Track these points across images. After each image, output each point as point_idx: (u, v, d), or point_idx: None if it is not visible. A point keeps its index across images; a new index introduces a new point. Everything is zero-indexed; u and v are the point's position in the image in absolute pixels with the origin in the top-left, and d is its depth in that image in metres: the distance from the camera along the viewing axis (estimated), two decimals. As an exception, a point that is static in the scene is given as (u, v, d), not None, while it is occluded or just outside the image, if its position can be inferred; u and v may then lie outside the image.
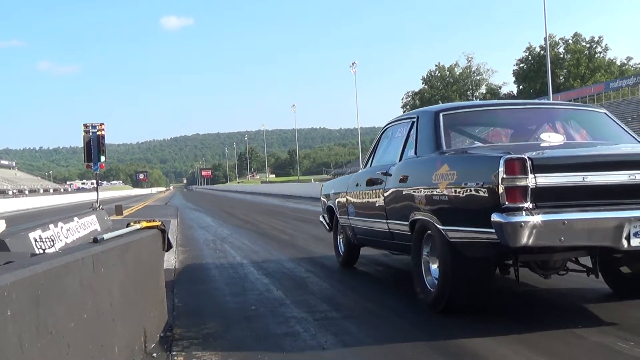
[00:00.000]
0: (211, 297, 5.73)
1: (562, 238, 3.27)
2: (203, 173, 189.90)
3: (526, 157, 3.37)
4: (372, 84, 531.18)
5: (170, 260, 8.20)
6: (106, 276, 3.13)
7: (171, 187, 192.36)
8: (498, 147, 4.27)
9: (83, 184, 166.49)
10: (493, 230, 3.34)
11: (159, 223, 4.27)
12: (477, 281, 4.04)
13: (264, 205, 27.44)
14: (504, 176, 3.32)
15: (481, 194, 3.49)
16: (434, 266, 4.35)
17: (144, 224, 4.11)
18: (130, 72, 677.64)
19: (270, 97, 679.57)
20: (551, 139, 4.40)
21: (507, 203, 3.30)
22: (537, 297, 4.91)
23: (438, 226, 4.03)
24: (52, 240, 8.68)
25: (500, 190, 3.32)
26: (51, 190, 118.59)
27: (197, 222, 17.31)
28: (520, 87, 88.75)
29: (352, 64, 60.66)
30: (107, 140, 19.01)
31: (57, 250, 6.42)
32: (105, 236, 3.47)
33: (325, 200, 7.45)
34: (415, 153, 4.73)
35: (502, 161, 3.37)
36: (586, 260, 4.21)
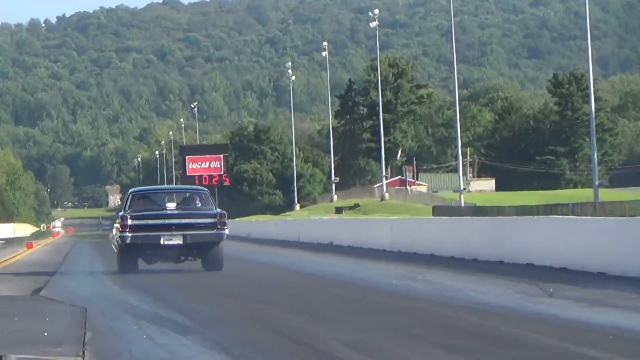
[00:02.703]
0: None
1: (140, 241, 18.33)
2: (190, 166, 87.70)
3: (128, 215, 18.03)
4: None
5: None
6: None
7: (58, 225, 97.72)
8: (136, 210, 18.45)
9: None
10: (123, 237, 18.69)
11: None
12: (126, 259, 18.72)
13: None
14: (121, 221, 18.29)
15: (121, 225, 18.39)
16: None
17: None
18: None
19: None
20: (170, 206, 18.65)
21: (120, 230, 18.32)
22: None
23: (118, 235, 18.68)
24: None
25: (122, 224, 18.38)
26: None
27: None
28: None
29: None
30: None
31: None
32: None
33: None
34: (121, 210, 20.30)
35: (120, 214, 18.61)
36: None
